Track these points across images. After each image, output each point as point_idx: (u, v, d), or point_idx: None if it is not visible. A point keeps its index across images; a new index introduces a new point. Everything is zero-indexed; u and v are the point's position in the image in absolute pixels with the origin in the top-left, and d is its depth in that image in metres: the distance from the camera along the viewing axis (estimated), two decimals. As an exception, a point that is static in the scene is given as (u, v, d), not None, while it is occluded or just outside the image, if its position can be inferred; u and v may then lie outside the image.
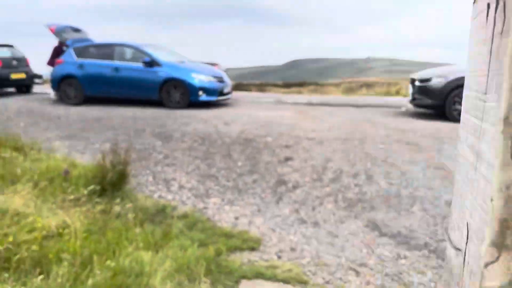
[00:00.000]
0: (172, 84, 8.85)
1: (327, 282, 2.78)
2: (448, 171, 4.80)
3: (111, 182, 3.97)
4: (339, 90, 22.63)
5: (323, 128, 6.86)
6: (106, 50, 9.59)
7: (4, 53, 11.16)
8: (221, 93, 9.27)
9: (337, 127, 7.00)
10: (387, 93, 17.40)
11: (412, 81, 8.30)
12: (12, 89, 11.64)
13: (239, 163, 5.22)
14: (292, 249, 3.23)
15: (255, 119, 7.60)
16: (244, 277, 2.79)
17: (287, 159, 5.30)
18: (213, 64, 16.58)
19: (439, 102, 7.54)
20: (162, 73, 8.90)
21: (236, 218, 3.79)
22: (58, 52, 10.32)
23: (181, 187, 4.58)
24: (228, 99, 9.92)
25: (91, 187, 3.79)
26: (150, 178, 4.78)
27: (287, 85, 31.04)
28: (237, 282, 2.72)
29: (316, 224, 3.67)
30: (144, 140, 6.12)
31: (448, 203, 4.01)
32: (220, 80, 9.39)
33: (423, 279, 2.82)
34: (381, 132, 6.61)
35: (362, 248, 3.21)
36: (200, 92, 8.80)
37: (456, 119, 7.45)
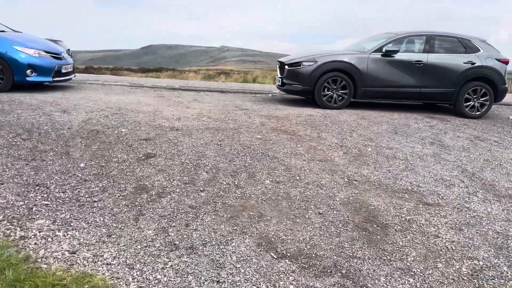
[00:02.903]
0: (-15, 60, 6.66)
1: None
2: (334, 164, 4.30)
3: None
4: (198, 77, 21.76)
5: (190, 116, 5.83)
6: None
7: None
8: (58, 73, 7.40)
9: (206, 114, 6.06)
10: (245, 81, 17.28)
11: (281, 65, 7.81)
12: None
13: (82, 164, 3.86)
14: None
15: (104, 105, 6.14)
16: None
17: (149, 156, 4.14)
18: (54, 41, 13.85)
19: (309, 88, 7.21)
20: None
21: (73, 253, 2.53)
22: None
23: (-14, 206, 3.05)
24: (69, 80, 8.06)
25: None
26: None
27: (143, 71, 28.86)
28: None
29: (192, 249, 2.66)
30: None
31: (344, 203, 3.45)
32: (57, 56, 7.48)
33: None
34: (256, 120, 5.90)
35: (260, 283, 2.33)
36: (29, 71, 6.82)
37: (325, 105, 7.22)
